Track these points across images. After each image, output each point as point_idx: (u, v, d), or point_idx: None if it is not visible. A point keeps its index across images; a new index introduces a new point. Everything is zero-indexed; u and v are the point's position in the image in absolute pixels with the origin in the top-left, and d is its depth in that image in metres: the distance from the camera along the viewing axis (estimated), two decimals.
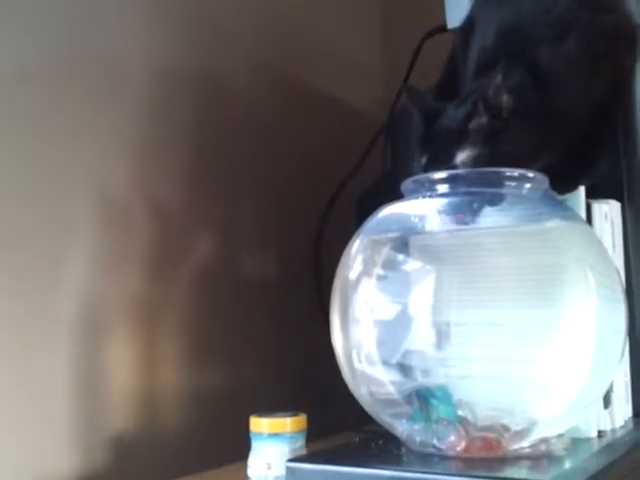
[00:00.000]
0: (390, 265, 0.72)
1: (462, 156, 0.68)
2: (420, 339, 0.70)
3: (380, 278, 0.72)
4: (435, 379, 0.70)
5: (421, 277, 0.70)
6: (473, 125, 0.69)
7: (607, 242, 0.76)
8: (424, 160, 0.71)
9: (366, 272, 0.72)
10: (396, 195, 0.73)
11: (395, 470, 0.61)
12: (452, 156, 0.69)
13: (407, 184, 0.71)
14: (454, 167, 0.68)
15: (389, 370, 0.70)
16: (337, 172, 1.12)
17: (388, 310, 0.71)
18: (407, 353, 0.70)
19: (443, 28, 0.96)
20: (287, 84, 1.15)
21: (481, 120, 0.68)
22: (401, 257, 0.72)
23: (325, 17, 1.24)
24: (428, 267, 0.70)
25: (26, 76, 0.80)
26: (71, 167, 0.84)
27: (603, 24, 0.76)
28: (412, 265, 0.72)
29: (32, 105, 0.80)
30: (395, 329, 0.70)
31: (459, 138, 0.69)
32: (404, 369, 0.70)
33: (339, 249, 0.74)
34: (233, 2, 1.06)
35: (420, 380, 0.70)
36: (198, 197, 0.98)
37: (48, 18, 0.83)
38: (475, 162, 0.68)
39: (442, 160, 0.69)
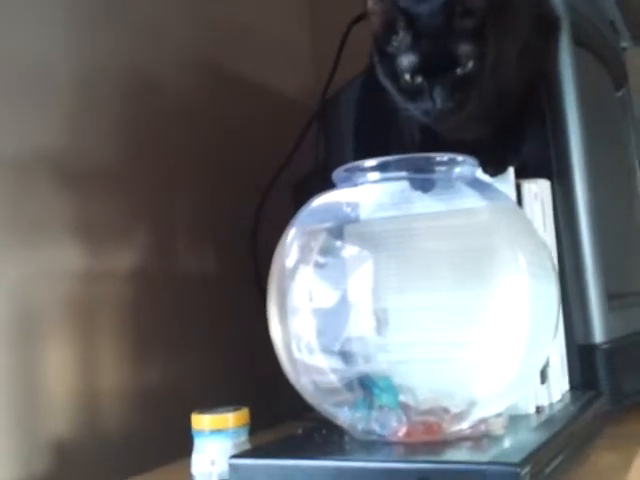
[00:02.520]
0: (326, 253, 0.72)
1: (461, 52, 0.69)
2: (359, 326, 0.70)
3: (317, 266, 0.72)
4: (376, 365, 0.70)
5: (357, 264, 0.70)
6: (457, 24, 0.69)
7: (538, 221, 0.77)
8: (414, 58, 0.70)
9: (302, 261, 0.72)
10: (330, 183, 0.73)
11: (338, 460, 0.62)
12: (451, 55, 0.69)
13: (338, 173, 0.71)
14: (456, 65, 0.69)
15: (330, 358, 0.70)
16: (272, 161, 1.11)
17: (326, 298, 0.70)
18: (347, 340, 0.70)
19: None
20: (217, 74, 1.14)
21: (462, 20, 0.69)
22: (337, 245, 0.72)
23: (254, 3, 1.23)
24: (364, 254, 0.70)
25: None
26: None
27: (534, 13, 0.78)
28: (348, 253, 0.72)
29: None
30: (334, 317, 0.70)
31: (449, 37, 0.69)
32: (345, 356, 0.70)
33: (276, 239, 0.74)
34: None
35: (361, 367, 0.70)
36: (130, 193, 0.97)
37: None
38: (471, 59, 0.69)
39: (441, 59, 0.69)
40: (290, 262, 0.72)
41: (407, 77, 0.71)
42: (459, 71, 0.69)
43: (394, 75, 0.72)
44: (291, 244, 0.72)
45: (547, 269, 0.68)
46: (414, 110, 0.72)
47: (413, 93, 0.71)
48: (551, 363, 0.77)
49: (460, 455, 0.61)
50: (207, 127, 1.10)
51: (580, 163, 0.82)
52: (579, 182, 0.81)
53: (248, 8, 1.21)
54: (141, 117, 1.00)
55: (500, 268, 0.66)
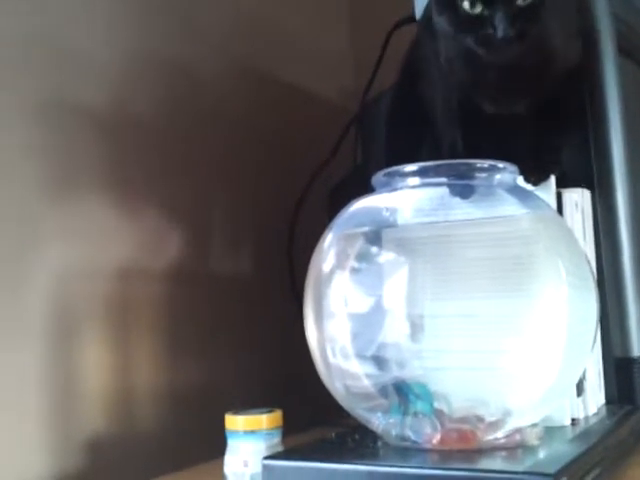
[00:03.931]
0: (363, 258, 0.72)
1: (528, 24, 0.70)
2: (395, 331, 0.70)
3: (353, 271, 0.72)
4: (410, 371, 0.69)
5: (394, 269, 0.70)
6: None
7: (578, 231, 0.76)
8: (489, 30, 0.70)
9: (339, 266, 0.72)
10: (367, 187, 0.73)
11: (371, 465, 0.61)
12: (517, 24, 0.70)
13: (378, 177, 0.71)
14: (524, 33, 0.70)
15: (364, 363, 0.70)
16: (309, 164, 1.11)
17: (362, 303, 0.70)
18: (382, 346, 0.70)
19: (412, 19, 0.96)
20: (258, 76, 1.14)
21: None
22: (374, 250, 0.72)
23: (294, 8, 1.23)
24: (401, 259, 0.70)
25: None
26: (35, 169, 0.83)
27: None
28: (385, 258, 0.72)
29: None
30: (369, 322, 0.70)
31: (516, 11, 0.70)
32: (379, 362, 0.70)
33: (313, 242, 0.74)
34: None
35: (395, 373, 0.70)
36: (168, 193, 0.98)
37: (12, 13, 0.81)
38: (535, 29, 0.71)
39: (515, 31, 0.70)
40: (327, 267, 0.72)
41: (466, 5, 0.70)
42: (520, 2, 0.69)
43: (452, 6, 0.72)
44: (328, 249, 0.72)
45: (587, 280, 0.67)
46: (472, 43, 0.72)
47: (472, 22, 0.71)
48: (588, 376, 0.76)
49: (495, 464, 0.60)
50: (245, 128, 1.11)
51: (622, 174, 0.80)
52: (621, 193, 0.80)
53: (288, 12, 1.22)
54: (181, 119, 1.00)
55: (539, 277, 0.65)
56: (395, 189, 0.70)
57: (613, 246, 0.80)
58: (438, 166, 0.67)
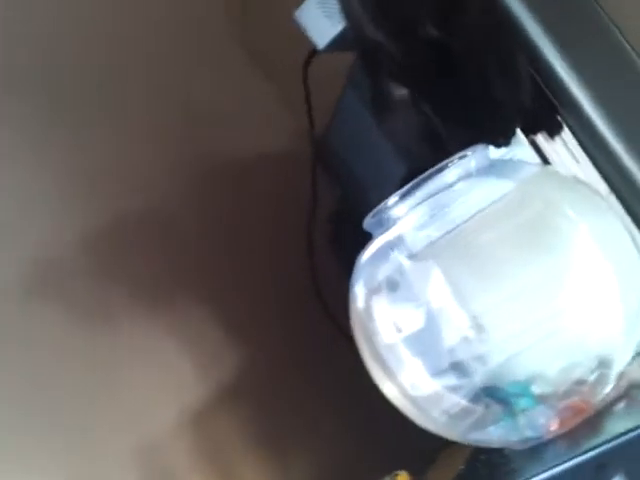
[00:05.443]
0: (394, 286, 0.72)
1: None
2: (454, 330, 0.69)
3: (390, 300, 0.71)
4: (491, 369, 0.68)
5: (427, 277, 0.69)
6: None
7: (568, 160, 0.76)
8: None
9: (374, 302, 0.71)
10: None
11: None
12: None
13: (368, 222, 0.71)
14: None
15: (443, 377, 0.68)
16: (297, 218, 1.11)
17: (412, 320, 0.69)
18: (451, 351, 0.69)
19: (316, 51, 0.96)
20: (211, 162, 1.14)
21: None
22: (403, 280, 0.71)
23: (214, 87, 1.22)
24: (430, 265, 0.69)
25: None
26: None
27: None
28: (414, 273, 0.71)
29: None
30: (427, 334, 0.69)
31: None
32: (457, 369, 0.68)
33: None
34: None
35: (479, 373, 0.68)
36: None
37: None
38: None
39: None
40: (363, 313, 0.71)
41: None
42: None
43: None
44: (359, 303, 0.72)
45: (600, 206, 0.67)
46: None
47: None
48: None
49: (622, 422, 0.58)
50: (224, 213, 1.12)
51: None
52: (588, 106, 0.78)
53: (214, 92, 1.21)
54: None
55: (557, 228, 0.65)
56: (389, 227, 0.69)
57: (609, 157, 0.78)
58: (416, 184, 0.67)
